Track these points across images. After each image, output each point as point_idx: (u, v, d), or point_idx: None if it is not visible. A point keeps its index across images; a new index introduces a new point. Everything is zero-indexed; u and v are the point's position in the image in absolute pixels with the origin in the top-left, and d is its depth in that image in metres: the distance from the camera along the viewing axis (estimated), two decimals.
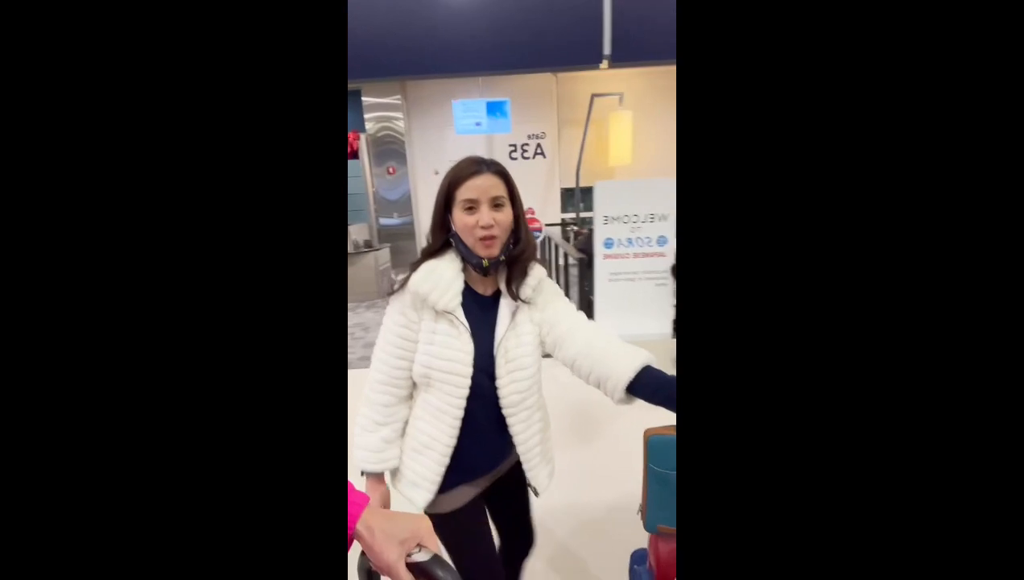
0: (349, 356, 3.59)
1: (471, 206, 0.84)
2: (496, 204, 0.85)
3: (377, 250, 5.35)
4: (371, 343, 3.81)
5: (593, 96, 5.99)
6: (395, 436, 0.93)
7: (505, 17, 2.91)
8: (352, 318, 4.58)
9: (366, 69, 3.03)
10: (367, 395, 0.92)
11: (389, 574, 0.50)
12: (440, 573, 0.50)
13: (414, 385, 0.93)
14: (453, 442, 0.90)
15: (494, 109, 5.71)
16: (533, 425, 0.97)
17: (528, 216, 1.05)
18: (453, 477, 0.92)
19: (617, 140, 6.16)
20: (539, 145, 6.68)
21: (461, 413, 0.89)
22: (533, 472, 0.98)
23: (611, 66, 2.97)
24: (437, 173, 6.66)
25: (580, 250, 3.25)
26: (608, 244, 2.95)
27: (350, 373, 3.44)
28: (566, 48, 2.93)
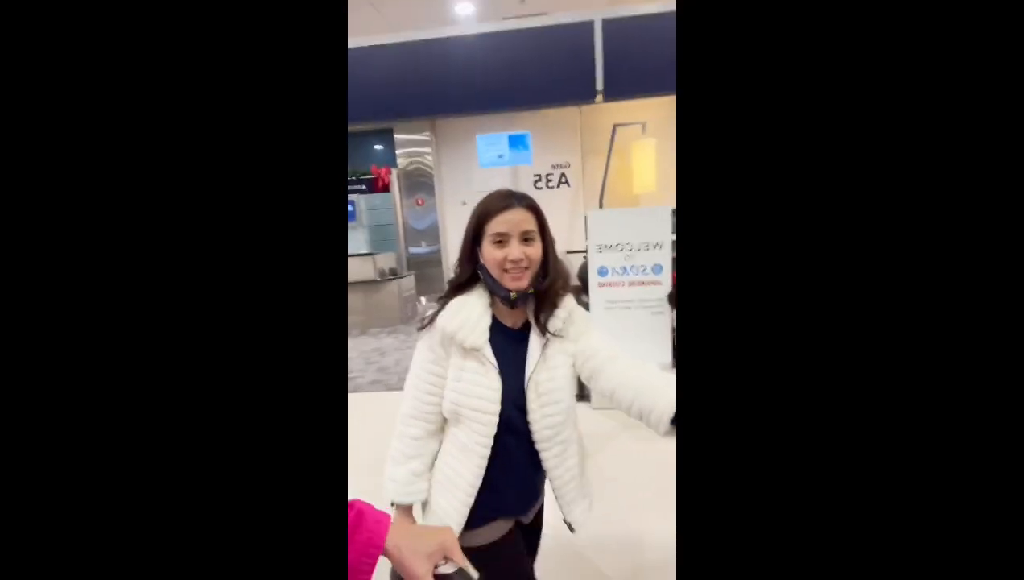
0: (362, 379, 3.77)
1: (501, 240, 0.84)
2: (526, 238, 0.85)
3: (402, 278, 5.60)
4: (385, 367, 4.00)
5: (615, 126, 6.08)
6: (424, 469, 0.92)
7: (505, 59, 3.10)
8: (372, 342, 4.79)
9: (373, 113, 3.29)
10: (398, 427, 0.93)
11: None
12: None
13: (445, 419, 0.92)
14: (478, 480, 0.87)
15: (516, 142, 5.93)
16: (568, 459, 0.94)
17: None
18: (484, 512, 0.90)
19: (640, 168, 6.18)
20: (563, 174, 6.81)
21: (488, 451, 0.87)
22: (569, 508, 0.96)
23: (604, 100, 3.06)
24: (465, 204, 6.92)
25: (578, 278, 3.29)
26: (602, 272, 2.98)
27: (363, 396, 3.54)
28: (562, 86, 3.07)
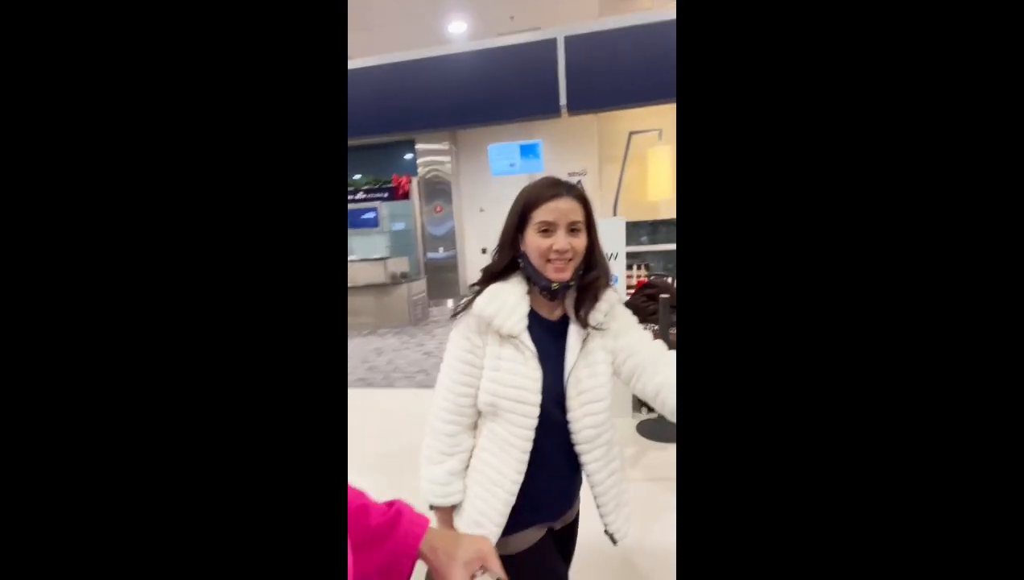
0: (351, 376, 4.04)
1: (547, 229, 0.81)
2: (573, 229, 0.82)
3: (412, 282, 5.88)
4: (375, 367, 4.26)
5: (631, 133, 6.03)
6: (461, 468, 0.88)
7: (476, 76, 3.26)
8: (376, 342, 5.09)
9: (372, 127, 3.55)
10: (432, 424, 0.89)
11: None
12: None
13: (479, 413, 0.88)
14: (520, 478, 0.84)
15: (527, 151, 6.03)
16: (611, 463, 0.90)
17: None
18: (521, 517, 0.85)
19: (656, 174, 6.09)
20: (579, 182, 6.82)
21: (529, 445, 0.83)
22: (610, 517, 0.91)
23: (570, 115, 3.12)
24: (482, 210, 7.12)
25: None
26: None
27: (349, 392, 3.77)
28: (529, 101, 3.17)
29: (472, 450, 0.89)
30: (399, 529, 0.51)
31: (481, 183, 6.87)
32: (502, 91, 3.09)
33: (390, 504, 0.53)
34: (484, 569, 0.52)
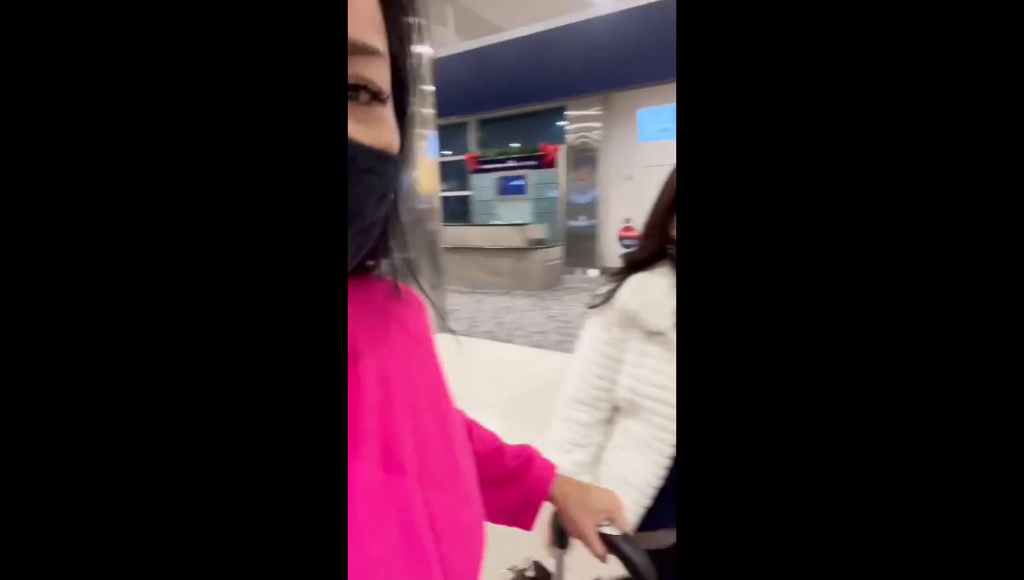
0: (479, 329, 4.48)
1: None
2: None
3: (547, 248, 6.08)
4: (501, 323, 4.67)
5: None
6: (589, 461, 0.84)
7: (619, 37, 3.20)
8: (507, 302, 5.46)
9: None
10: (562, 412, 0.86)
11: (582, 538, 0.52)
12: (629, 550, 0.50)
13: (615, 408, 0.84)
14: (657, 481, 0.78)
15: None
16: None
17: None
18: (662, 517, 0.80)
19: None
20: None
21: (671, 450, 0.77)
22: None
23: None
24: (630, 179, 6.87)
25: None
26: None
27: (473, 341, 4.24)
28: (647, 68, 3.02)
29: (600, 444, 0.85)
30: (532, 471, 0.53)
31: (629, 149, 6.63)
32: (641, 53, 2.95)
33: (522, 448, 0.55)
34: (611, 521, 0.53)
